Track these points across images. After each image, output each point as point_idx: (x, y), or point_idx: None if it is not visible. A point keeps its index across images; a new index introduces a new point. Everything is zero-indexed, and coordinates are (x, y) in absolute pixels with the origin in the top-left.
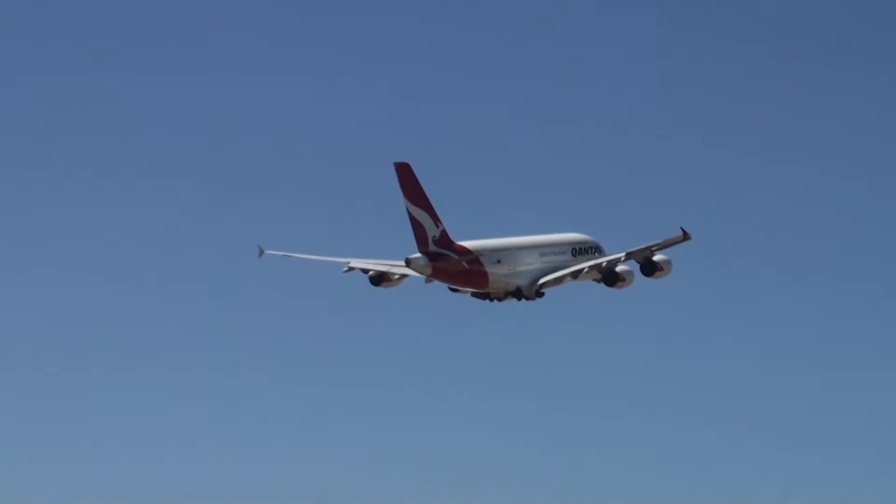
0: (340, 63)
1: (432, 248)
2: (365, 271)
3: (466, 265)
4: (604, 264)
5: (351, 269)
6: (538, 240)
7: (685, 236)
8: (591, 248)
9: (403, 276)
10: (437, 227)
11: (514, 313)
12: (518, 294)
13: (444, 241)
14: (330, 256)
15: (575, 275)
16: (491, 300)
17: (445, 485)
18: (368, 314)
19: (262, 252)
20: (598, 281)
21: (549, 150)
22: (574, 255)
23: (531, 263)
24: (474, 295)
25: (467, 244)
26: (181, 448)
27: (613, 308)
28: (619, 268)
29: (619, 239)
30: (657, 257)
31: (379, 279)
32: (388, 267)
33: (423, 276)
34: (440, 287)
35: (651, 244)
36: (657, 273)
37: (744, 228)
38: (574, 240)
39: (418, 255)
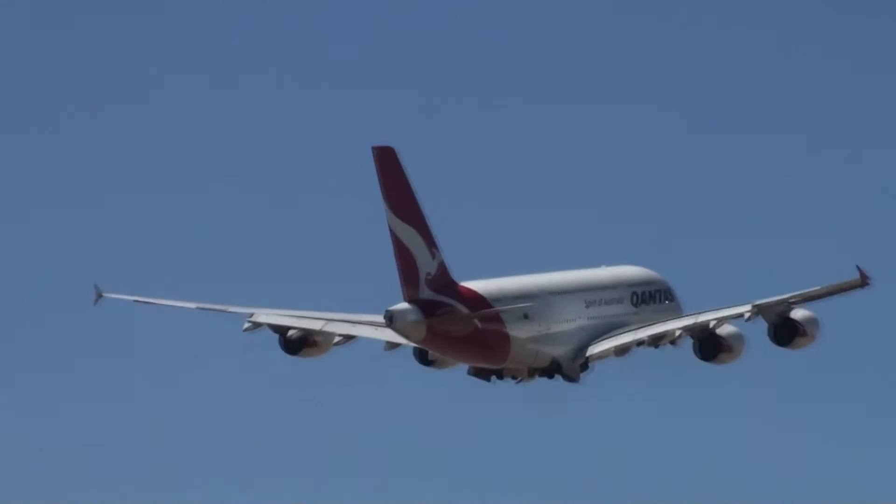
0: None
1: (426, 293)
2: (279, 329)
3: (479, 324)
4: (712, 324)
5: (255, 325)
6: (579, 279)
7: (863, 282)
8: (658, 291)
9: (348, 337)
10: (434, 256)
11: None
12: (552, 370)
13: (443, 281)
14: (213, 304)
15: (655, 340)
16: (501, 378)
17: None
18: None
19: (99, 296)
20: (660, 343)
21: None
22: (635, 304)
23: (573, 320)
24: (475, 372)
25: (475, 286)
26: None
27: (719, 398)
28: (723, 331)
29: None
30: (798, 314)
31: (301, 343)
32: (324, 323)
33: (387, 341)
34: (404, 354)
35: (798, 293)
36: (799, 340)
37: None
38: (633, 279)
39: (406, 305)
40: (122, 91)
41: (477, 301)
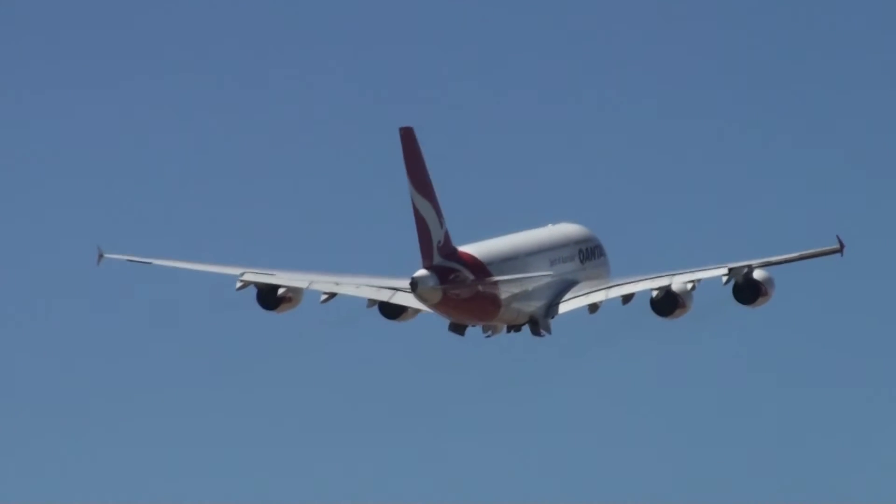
0: None
1: (438, 260)
2: (266, 288)
3: (482, 288)
4: (690, 285)
5: (246, 284)
6: (541, 239)
7: (840, 248)
8: (595, 248)
9: (331, 295)
10: (442, 226)
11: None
12: (524, 326)
13: (448, 247)
14: (201, 264)
15: (626, 299)
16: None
17: None
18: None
19: (101, 256)
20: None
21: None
22: (582, 261)
23: (543, 278)
24: (453, 328)
25: (470, 250)
26: None
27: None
28: (677, 288)
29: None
30: (758, 275)
31: (279, 299)
32: (309, 283)
33: (368, 298)
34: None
35: (776, 258)
36: (760, 299)
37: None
38: (577, 237)
39: (426, 272)
40: (132, 49)
41: (476, 264)
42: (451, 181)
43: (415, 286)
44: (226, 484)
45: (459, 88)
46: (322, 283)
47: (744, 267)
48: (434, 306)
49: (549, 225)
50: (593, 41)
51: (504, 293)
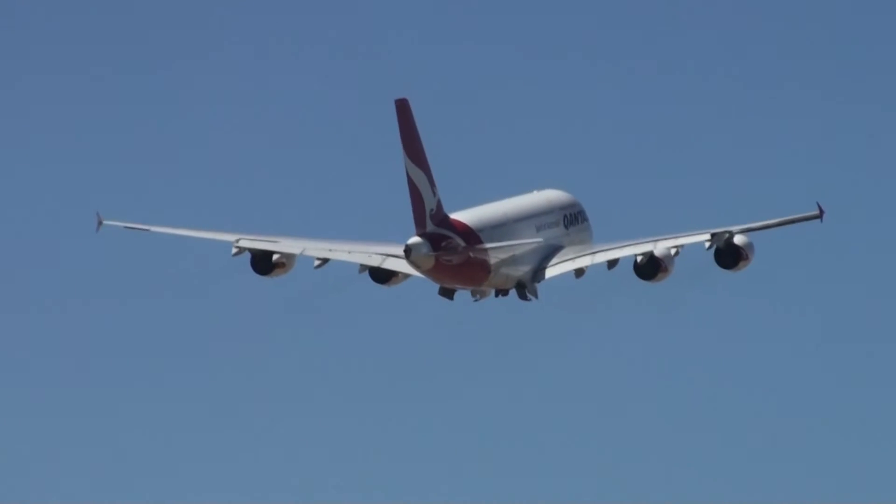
0: None
1: (430, 227)
2: (260, 254)
3: (473, 255)
4: (673, 250)
5: (241, 250)
6: (528, 205)
7: (820, 214)
8: (579, 213)
9: (324, 261)
10: (435, 194)
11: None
12: (510, 290)
13: (440, 215)
14: (198, 231)
15: (612, 264)
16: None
17: None
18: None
19: (100, 223)
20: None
21: None
22: (566, 227)
23: (530, 244)
24: (443, 292)
25: (461, 217)
26: None
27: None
28: (660, 253)
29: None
30: (738, 240)
31: (273, 265)
32: (303, 249)
33: (360, 264)
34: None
35: (757, 224)
36: (742, 263)
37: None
38: (561, 202)
39: (419, 239)
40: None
41: (467, 231)
42: (439, 149)
43: (408, 253)
44: (216, 451)
45: (448, 58)
46: (315, 249)
47: (725, 232)
48: (426, 272)
49: (535, 191)
50: (578, 9)
51: (493, 259)
